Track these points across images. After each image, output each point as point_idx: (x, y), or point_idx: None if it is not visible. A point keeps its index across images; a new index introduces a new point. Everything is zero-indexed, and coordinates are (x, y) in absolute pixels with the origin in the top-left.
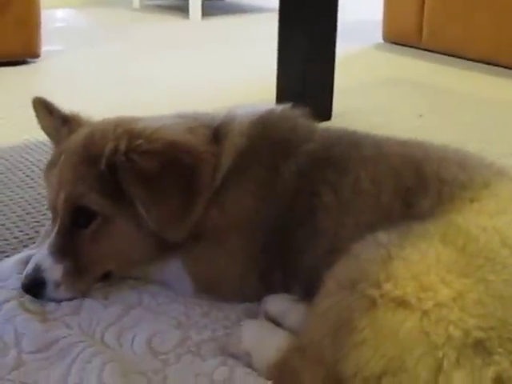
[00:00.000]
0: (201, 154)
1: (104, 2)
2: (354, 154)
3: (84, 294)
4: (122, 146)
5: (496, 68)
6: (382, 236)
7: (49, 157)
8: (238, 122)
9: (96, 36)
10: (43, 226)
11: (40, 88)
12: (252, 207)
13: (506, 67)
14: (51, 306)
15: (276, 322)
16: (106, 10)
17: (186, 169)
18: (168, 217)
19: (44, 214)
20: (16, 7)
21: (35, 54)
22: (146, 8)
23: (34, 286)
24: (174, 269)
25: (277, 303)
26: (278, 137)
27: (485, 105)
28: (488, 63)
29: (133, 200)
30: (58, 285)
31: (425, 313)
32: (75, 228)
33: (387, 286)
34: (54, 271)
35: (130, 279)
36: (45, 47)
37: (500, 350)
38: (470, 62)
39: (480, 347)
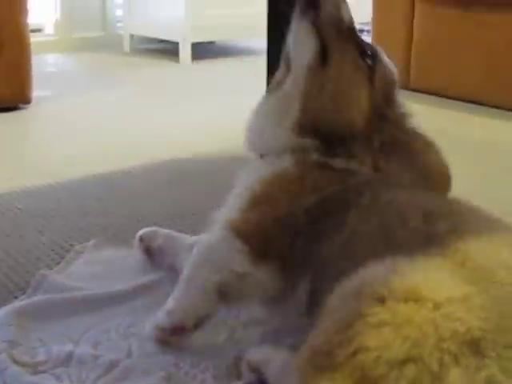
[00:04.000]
0: None
1: (95, 47)
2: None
3: None
4: None
5: (485, 108)
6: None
7: (39, 204)
8: None
9: (87, 81)
10: (34, 276)
11: (33, 134)
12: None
13: (494, 107)
14: (41, 357)
15: (259, 372)
16: (97, 55)
17: None
18: None
19: (35, 264)
20: (7, 52)
21: (26, 100)
22: (136, 52)
23: None
24: None
25: (259, 352)
26: None
27: (474, 145)
28: (476, 103)
29: None
30: None
31: (436, 306)
32: None
33: (395, 282)
34: None
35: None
36: (36, 92)
37: (493, 353)
38: (459, 103)
39: (474, 347)
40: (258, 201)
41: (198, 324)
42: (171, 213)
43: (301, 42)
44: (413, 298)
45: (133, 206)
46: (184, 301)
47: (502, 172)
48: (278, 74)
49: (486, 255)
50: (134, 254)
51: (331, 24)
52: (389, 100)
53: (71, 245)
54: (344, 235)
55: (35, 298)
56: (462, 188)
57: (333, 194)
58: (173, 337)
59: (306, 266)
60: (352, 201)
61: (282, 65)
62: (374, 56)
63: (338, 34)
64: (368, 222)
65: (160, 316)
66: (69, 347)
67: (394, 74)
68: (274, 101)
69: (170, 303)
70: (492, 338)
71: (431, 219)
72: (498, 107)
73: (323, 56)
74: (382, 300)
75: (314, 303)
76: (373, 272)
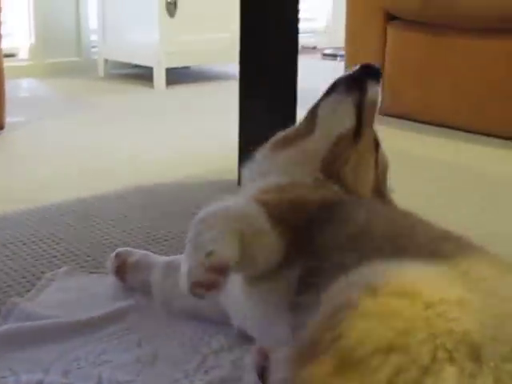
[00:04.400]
0: None
1: (69, 72)
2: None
3: None
4: None
5: (456, 132)
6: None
7: (10, 231)
8: None
9: (61, 106)
10: (4, 303)
11: (6, 161)
12: None
13: (465, 131)
14: None
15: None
16: (71, 80)
17: None
18: None
19: (5, 292)
20: None
21: (0, 126)
22: (110, 76)
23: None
24: None
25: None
26: None
27: (444, 168)
28: (447, 127)
29: None
30: None
31: (429, 305)
32: None
33: (392, 277)
34: None
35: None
36: (9, 118)
37: (491, 363)
38: (431, 127)
39: (474, 352)
40: (275, 190)
41: (235, 267)
42: (144, 239)
43: (339, 116)
44: (406, 294)
45: (105, 233)
46: (221, 241)
47: (472, 195)
48: (299, 126)
49: (490, 272)
50: (105, 282)
51: (370, 109)
52: (384, 180)
53: (42, 272)
54: (347, 231)
55: (5, 326)
56: (432, 211)
57: (345, 197)
58: (214, 275)
59: (304, 252)
60: (361, 204)
61: (307, 119)
62: (377, 142)
63: (371, 119)
64: (373, 224)
65: (198, 257)
66: (39, 376)
67: (387, 160)
68: (296, 152)
69: (209, 245)
70: (492, 346)
71: (436, 240)
72: (468, 131)
73: (355, 134)
74: (373, 292)
75: (300, 292)
76: (373, 267)
